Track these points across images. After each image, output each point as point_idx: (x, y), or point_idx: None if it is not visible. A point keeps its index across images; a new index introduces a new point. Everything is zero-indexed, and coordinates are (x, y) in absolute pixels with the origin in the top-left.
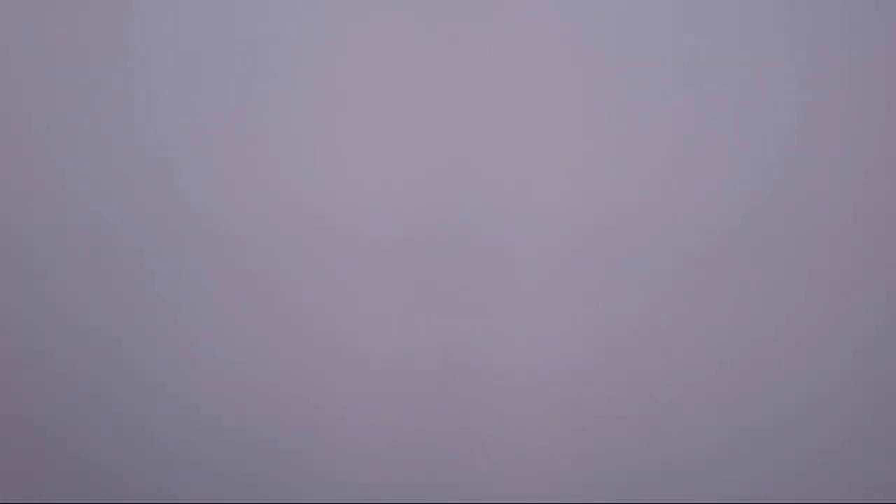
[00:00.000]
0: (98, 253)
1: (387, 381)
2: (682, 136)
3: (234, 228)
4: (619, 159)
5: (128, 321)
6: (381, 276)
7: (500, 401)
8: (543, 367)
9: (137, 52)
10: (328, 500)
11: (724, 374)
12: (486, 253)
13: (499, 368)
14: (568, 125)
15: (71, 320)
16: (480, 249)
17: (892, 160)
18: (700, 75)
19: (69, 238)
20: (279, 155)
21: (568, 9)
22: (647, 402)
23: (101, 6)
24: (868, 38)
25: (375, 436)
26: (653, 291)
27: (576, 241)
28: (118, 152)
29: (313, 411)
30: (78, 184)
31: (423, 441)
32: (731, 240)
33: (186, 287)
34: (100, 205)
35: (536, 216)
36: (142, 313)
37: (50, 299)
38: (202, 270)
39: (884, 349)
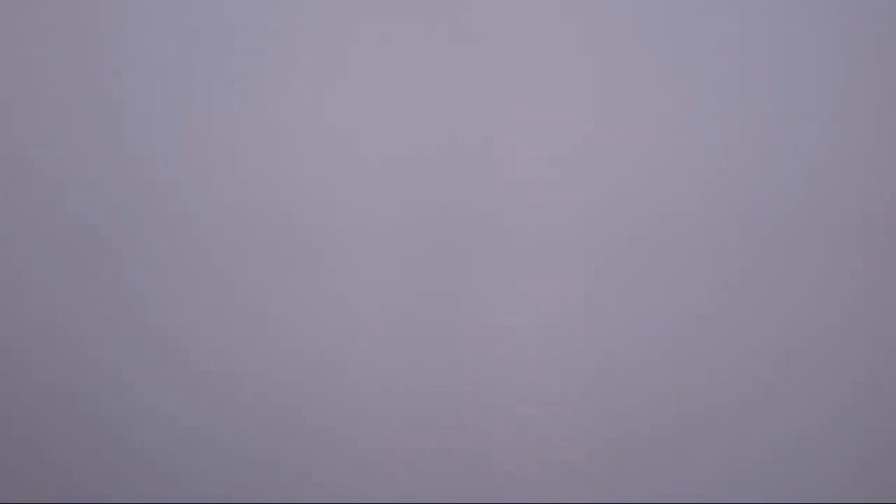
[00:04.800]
0: (78, 254)
1: (378, 388)
2: (695, 135)
3: (220, 229)
4: (625, 160)
5: (107, 324)
6: (374, 281)
7: (496, 413)
8: (543, 378)
9: (120, 49)
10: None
11: (737, 386)
12: (485, 256)
13: (495, 378)
14: (578, 123)
15: (49, 321)
16: (479, 252)
17: None
18: (715, 74)
19: (48, 237)
20: (267, 154)
21: (592, 9)
22: (653, 418)
23: (85, 2)
24: (887, 36)
25: (366, 445)
26: (661, 297)
27: (582, 244)
28: (100, 152)
29: (299, 417)
30: (57, 183)
31: (415, 450)
32: (743, 244)
33: (169, 289)
34: (81, 205)
35: (541, 216)
36: (122, 317)
37: (28, 300)
38: (185, 271)
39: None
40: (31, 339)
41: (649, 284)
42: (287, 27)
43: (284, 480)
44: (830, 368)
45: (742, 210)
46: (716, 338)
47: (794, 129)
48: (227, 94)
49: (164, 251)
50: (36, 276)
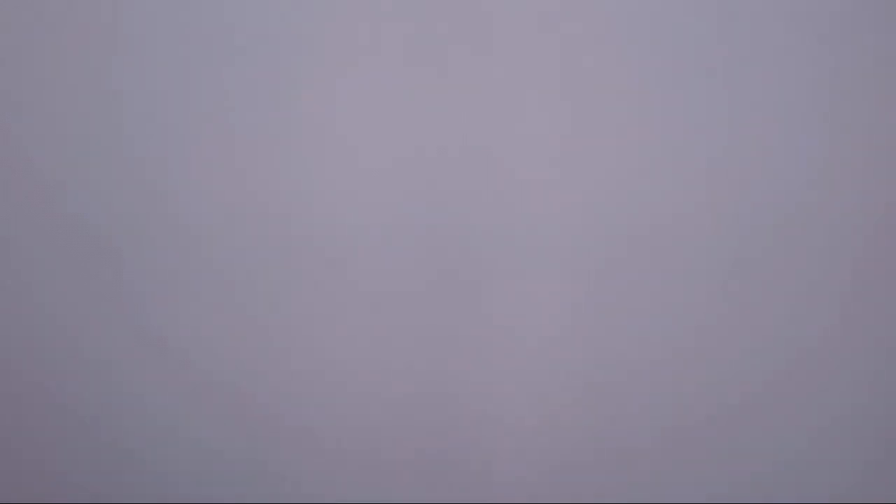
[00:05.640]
0: (79, 256)
1: (379, 402)
2: (695, 137)
3: (219, 231)
4: (626, 162)
5: (106, 326)
6: (374, 284)
7: (497, 430)
8: (545, 379)
9: (122, 52)
10: None
11: (738, 386)
12: (487, 258)
13: (496, 394)
14: (579, 125)
15: (48, 322)
16: (481, 255)
17: None
18: (715, 76)
19: (48, 239)
20: (267, 157)
21: (592, 8)
22: (649, 434)
23: (88, 2)
24: (885, 36)
25: (368, 447)
26: (663, 298)
27: (585, 246)
28: (101, 154)
29: (300, 420)
30: (58, 185)
31: (413, 466)
32: (744, 245)
33: (169, 291)
34: (81, 207)
35: (544, 218)
36: (121, 318)
37: (27, 301)
38: (184, 273)
39: None
40: (31, 339)
41: (651, 286)
42: (288, 31)
43: (287, 482)
44: (831, 369)
45: (743, 211)
46: (718, 339)
47: (795, 129)
48: (229, 97)
49: (163, 253)
50: (36, 277)
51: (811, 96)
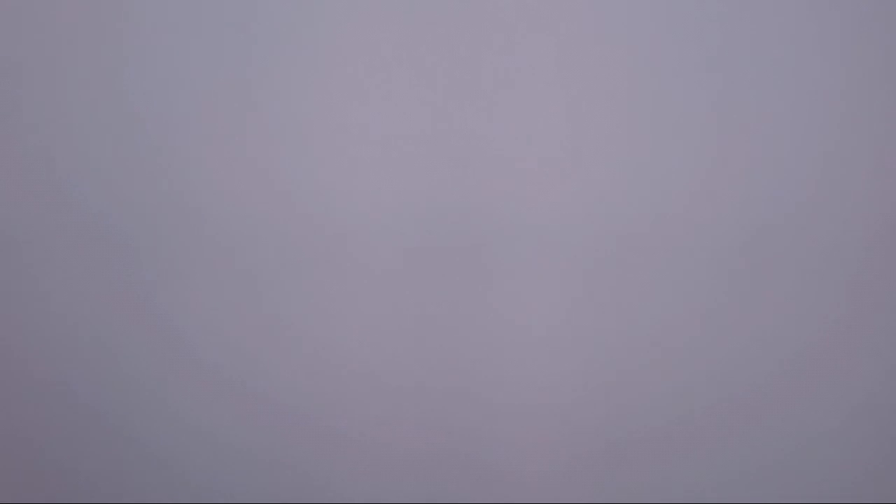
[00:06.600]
0: (94, 252)
1: (385, 394)
2: (699, 146)
3: (233, 228)
4: (634, 173)
5: (121, 322)
6: (384, 282)
7: (502, 422)
8: (548, 385)
9: (140, 51)
10: None
11: (736, 388)
12: (491, 267)
13: (501, 386)
14: (584, 132)
15: (63, 318)
16: (486, 263)
17: None
18: (721, 81)
19: (63, 234)
20: (282, 158)
21: (584, 16)
22: (652, 427)
23: (105, 5)
24: (883, 38)
25: (373, 450)
26: (666, 308)
27: (586, 254)
28: (117, 152)
29: (307, 421)
30: (73, 180)
31: (420, 459)
32: (745, 244)
33: (183, 288)
34: (97, 203)
35: (545, 229)
36: (136, 314)
37: (42, 297)
38: (199, 271)
39: None
40: (47, 335)
41: (651, 285)
42: (302, 27)
43: (294, 479)
44: (832, 368)
45: (746, 208)
46: (717, 340)
47: (795, 128)
48: (241, 92)
49: (177, 248)
50: (53, 273)
51: (812, 95)
